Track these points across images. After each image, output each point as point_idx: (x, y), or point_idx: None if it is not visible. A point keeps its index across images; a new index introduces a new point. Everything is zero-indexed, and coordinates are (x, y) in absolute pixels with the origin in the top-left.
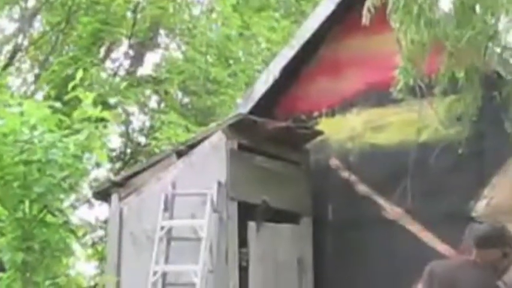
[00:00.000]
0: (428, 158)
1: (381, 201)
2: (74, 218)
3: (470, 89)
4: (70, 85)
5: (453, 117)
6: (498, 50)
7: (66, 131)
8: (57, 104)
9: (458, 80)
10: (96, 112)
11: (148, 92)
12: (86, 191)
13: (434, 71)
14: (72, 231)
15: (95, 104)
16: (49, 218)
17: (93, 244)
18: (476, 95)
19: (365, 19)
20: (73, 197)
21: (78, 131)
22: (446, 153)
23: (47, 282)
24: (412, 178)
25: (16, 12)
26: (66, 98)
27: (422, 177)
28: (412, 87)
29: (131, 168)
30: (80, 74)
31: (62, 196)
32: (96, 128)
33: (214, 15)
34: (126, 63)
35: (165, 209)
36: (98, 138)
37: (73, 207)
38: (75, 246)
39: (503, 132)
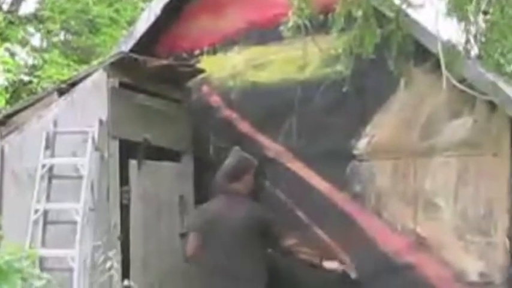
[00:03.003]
0: (311, 96)
1: (262, 139)
2: None
3: (368, 28)
4: None
5: (339, 55)
6: None
7: None
8: None
9: (354, 18)
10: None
11: (31, 30)
12: None
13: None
14: None
15: None
16: None
17: None
18: (374, 33)
19: None
20: None
21: None
22: (328, 91)
23: None
24: (294, 116)
25: None
26: None
27: (304, 115)
28: (298, 26)
29: (12, 106)
30: None
31: None
32: None
33: None
34: (8, 1)
35: (46, 147)
36: None
37: None
38: None
39: (385, 70)
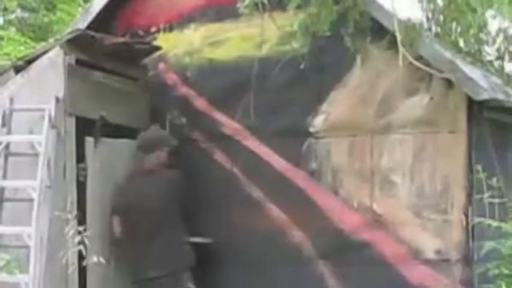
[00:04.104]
0: (268, 73)
1: (219, 116)
2: None
3: (323, 5)
4: None
5: (295, 32)
6: None
7: None
8: None
9: None
10: None
11: None
12: None
13: None
14: None
15: None
16: None
17: None
18: (330, 11)
19: None
20: None
21: None
22: (285, 69)
23: None
24: (251, 93)
25: None
26: None
27: (261, 93)
28: (255, 3)
29: None
30: None
31: None
32: None
33: None
34: None
35: (3, 125)
36: None
37: None
38: None
39: (342, 47)
